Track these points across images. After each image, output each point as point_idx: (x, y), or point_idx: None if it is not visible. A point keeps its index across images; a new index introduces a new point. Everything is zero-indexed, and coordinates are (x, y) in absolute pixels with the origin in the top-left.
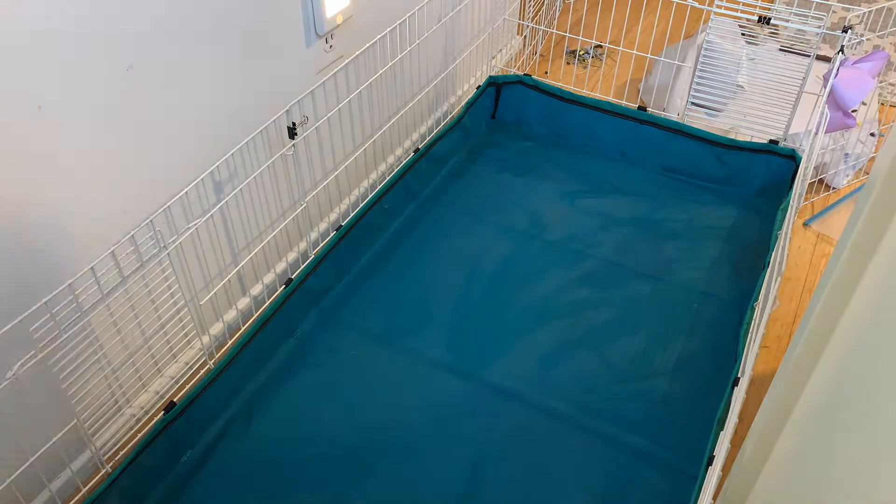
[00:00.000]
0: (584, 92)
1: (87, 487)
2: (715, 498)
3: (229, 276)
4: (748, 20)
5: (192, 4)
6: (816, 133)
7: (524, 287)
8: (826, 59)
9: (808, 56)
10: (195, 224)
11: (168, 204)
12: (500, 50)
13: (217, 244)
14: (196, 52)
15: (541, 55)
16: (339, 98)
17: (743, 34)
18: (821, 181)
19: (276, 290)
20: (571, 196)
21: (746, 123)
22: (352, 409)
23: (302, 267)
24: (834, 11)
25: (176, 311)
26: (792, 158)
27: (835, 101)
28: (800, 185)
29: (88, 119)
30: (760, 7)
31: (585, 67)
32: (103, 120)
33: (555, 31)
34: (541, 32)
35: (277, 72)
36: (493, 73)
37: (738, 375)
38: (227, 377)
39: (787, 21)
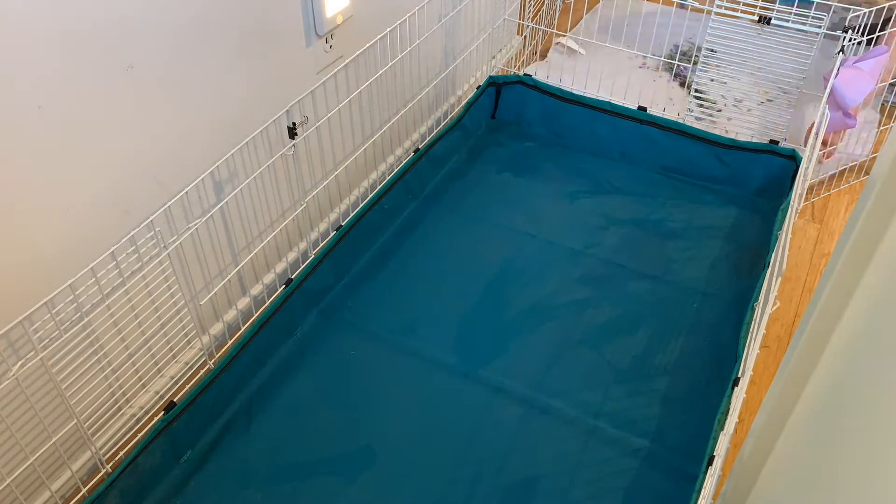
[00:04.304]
0: (584, 91)
1: (87, 487)
2: (715, 498)
3: (229, 276)
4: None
5: (192, 4)
6: (817, 133)
7: (524, 287)
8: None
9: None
10: (195, 224)
11: (168, 204)
12: (500, 50)
13: (217, 244)
14: (196, 52)
15: (540, 55)
16: (339, 98)
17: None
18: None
19: (276, 290)
20: (571, 196)
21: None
22: (352, 409)
23: (302, 267)
24: (834, 12)
25: (176, 312)
26: (792, 158)
27: (835, 101)
28: (800, 185)
29: (88, 119)
30: (760, 7)
31: None
32: (103, 120)
33: (555, 31)
34: (541, 32)
35: (277, 72)
36: (493, 73)
37: (738, 375)
38: (227, 377)
39: (788, 21)
